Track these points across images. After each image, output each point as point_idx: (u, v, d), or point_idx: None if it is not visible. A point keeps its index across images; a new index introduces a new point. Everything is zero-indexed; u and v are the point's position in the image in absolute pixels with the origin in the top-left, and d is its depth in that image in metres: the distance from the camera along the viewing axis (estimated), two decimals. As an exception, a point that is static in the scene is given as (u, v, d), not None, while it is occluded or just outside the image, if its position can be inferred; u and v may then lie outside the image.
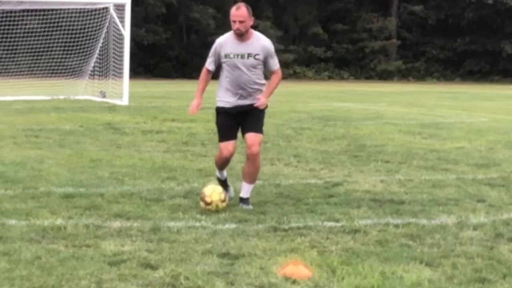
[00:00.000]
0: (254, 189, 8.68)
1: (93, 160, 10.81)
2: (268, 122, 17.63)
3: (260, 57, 7.70)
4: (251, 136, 7.74)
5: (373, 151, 12.43)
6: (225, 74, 7.80)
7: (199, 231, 6.65)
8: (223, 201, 7.51)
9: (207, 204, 7.42)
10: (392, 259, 5.85)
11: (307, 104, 24.63)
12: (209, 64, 7.86)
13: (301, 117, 19.12)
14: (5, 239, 6.27)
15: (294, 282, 5.27)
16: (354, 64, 60.13)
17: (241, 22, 7.56)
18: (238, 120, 7.83)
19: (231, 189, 8.20)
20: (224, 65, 7.78)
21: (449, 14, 59.81)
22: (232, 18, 7.60)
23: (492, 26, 58.77)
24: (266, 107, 7.86)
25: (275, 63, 7.85)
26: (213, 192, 7.49)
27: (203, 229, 6.77)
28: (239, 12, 7.58)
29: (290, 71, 57.15)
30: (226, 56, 7.70)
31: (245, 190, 7.86)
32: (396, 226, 6.99)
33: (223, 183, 8.09)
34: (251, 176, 7.84)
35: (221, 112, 7.86)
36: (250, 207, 7.74)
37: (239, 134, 7.97)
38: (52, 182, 8.98)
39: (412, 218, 7.32)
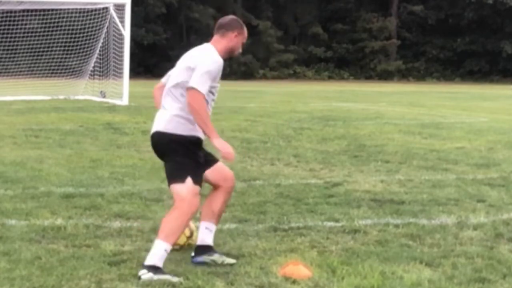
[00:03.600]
0: (254, 189, 8.69)
1: (93, 160, 10.81)
2: (268, 122, 17.87)
3: None
4: (225, 166, 5.91)
5: (373, 151, 12.42)
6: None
7: (199, 231, 6.65)
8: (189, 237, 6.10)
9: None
10: (392, 259, 5.85)
11: (307, 104, 24.63)
12: (206, 92, 5.52)
13: (301, 117, 19.12)
14: (5, 239, 6.27)
15: (294, 282, 5.27)
16: (354, 64, 60.17)
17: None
18: None
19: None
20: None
21: (449, 14, 59.83)
22: (244, 39, 5.78)
23: (492, 26, 58.78)
24: None
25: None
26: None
27: (203, 229, 6.76)
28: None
29: (290, 71, 57.26)
30: (217, 80, 5.69)
31: (211, 234, 5.90)
32: (396, 226, 6.99)
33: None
34: (221, 215, 6.00)
35: (197, 144, 5.65)
36: (216, 256, 5.80)
37: None
38: (52, 182, 8.98)
39: (412, 218, 7.32)
